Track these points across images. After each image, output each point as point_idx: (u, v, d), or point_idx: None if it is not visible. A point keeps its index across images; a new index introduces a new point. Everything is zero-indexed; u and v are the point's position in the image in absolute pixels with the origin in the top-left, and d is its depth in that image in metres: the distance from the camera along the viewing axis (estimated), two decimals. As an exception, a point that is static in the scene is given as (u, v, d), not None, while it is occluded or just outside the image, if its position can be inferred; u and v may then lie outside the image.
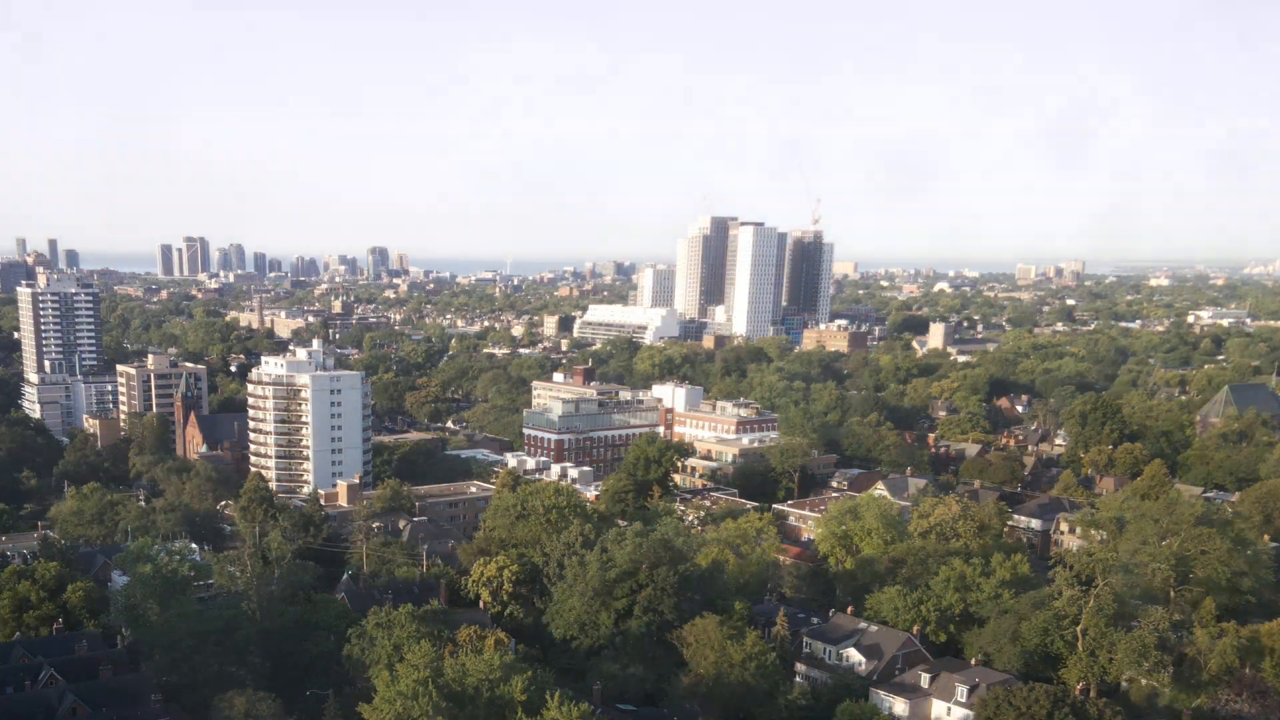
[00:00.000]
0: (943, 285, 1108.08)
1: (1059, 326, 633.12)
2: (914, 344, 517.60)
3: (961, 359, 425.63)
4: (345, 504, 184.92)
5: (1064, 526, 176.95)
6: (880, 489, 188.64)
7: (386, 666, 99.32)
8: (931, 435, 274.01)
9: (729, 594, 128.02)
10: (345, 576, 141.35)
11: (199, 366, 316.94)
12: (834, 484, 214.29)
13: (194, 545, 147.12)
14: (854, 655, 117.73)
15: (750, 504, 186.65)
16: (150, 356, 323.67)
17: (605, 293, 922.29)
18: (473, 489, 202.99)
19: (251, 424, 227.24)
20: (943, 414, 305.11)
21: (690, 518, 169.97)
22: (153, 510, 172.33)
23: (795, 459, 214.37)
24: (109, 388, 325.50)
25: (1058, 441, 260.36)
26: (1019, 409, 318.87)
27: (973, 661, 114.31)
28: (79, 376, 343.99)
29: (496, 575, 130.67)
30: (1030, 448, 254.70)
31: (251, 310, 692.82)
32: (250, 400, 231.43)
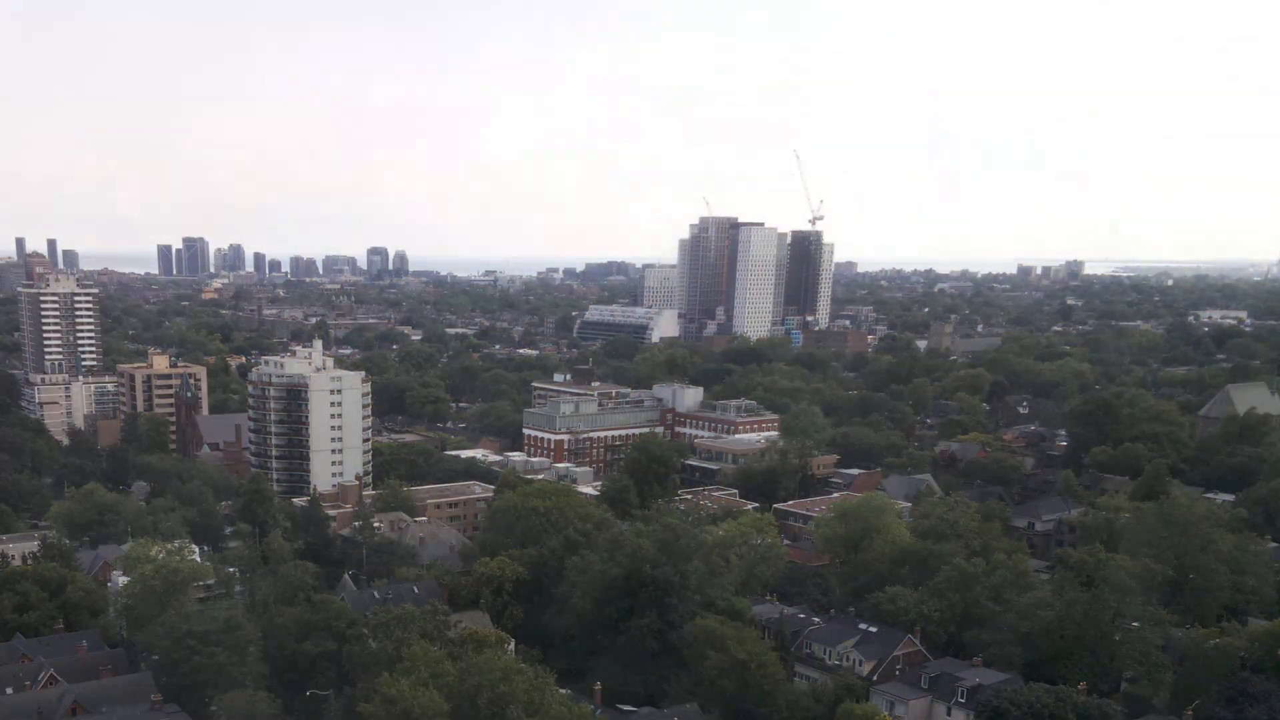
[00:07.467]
0: (943, 285, 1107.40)
1: (1059, 326, 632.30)
2: (914, 344, 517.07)
3: (962, 359, 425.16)
4: (345, 504, 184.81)
5: (1064, 527, 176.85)
6: (881, 489, 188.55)
7: (386, 667, 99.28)
8: (932, 435, 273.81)
9: (729, 594, 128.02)
10: (345, 576, 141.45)
11: (198, 366, 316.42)
12: (834, 484, 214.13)
13: (194, 545, 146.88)
14: (854, 655, 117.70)
15: (750, 504, 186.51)
16: (150, 356, 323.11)
17: (605, 293, 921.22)
18: (473, 489, 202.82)
19: (251, 424, 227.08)
20: (943, 414, 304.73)
21: (690, 518, 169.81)
22: (152, 510, 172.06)
23: (795, 459, 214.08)
24: (109, 388, 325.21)
25: (1058, 442, 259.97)
26: (1019, 409, 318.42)
27: (973, 661, 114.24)
28: (79, 376, 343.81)
29: (497, 575, 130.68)
30: (1030, 447, 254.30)
31: (251, 310, 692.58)
32: (250, 400, 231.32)
